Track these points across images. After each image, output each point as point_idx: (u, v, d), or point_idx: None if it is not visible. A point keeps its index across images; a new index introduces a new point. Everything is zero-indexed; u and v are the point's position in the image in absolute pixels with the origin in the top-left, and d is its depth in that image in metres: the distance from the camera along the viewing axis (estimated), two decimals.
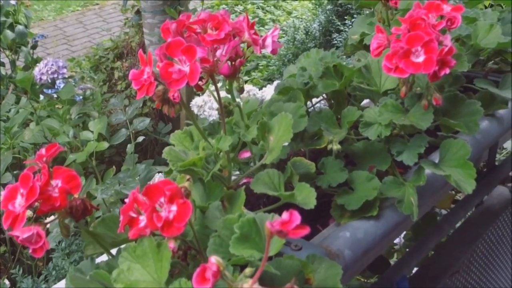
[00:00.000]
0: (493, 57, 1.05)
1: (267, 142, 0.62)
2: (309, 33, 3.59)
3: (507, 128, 0.95)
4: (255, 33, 0.64)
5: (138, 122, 1.78)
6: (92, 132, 1.72)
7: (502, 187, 1.09)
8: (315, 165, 0.72)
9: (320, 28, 3.58)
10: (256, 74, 4.38)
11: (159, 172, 1.69)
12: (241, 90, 0.75)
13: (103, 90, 2.91)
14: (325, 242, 0.68)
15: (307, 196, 0.58)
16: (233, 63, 0.69)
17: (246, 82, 4.34)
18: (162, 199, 0.48)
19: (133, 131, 1.78)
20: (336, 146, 0.71)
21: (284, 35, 4.47)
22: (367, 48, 1.02)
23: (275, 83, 2.53)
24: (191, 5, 3.05)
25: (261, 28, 5.33)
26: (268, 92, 2.32)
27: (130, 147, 1.70)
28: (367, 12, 1.10)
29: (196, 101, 1.89)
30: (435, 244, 0.94)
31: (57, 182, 0.53)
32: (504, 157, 1.43)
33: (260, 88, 2.42)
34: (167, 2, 2.72)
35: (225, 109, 0.64)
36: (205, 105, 1.95)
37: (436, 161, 0.75)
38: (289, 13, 5.61)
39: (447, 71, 0.66)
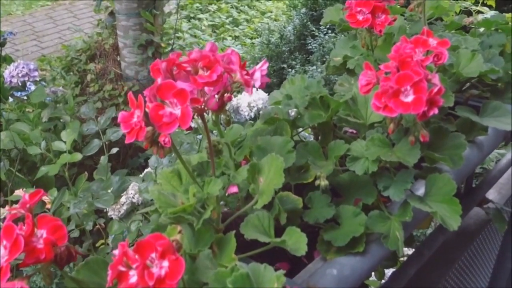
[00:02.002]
0: (474, 81, 1.07)
1: (257, 184, 0.61)
2: (283, 37, 3.59)
3: (486, 154, 0.96)
4: (247, 73, 0.63)
5: (111, 132, 1.74)
6: (64, 142, 1.67)
7: (478, 208, 1.11)
8: (301, 199, 0.72)
9: (295, 32, 3.59)
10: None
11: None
12: (228, 123, 0.74)
13: (75, 93, 2.85)
14: (312, 280, 0.68)
15: (297, 241, 0.58)
16: (220, 97, 0.68)
17: None
18: (153, 255, 0.47)
19: (106, 142, 1.74)
20: (323, 182, 0.71)
21: (258, 36, 4.47)
22: (350, 71, 1.02)
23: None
24: (166, 8, 3.00)
25: (235, 28, 5.31)
26: (244, 99, 2.31)
27: (103, 159, 1.66)
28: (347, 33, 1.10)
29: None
30: (415, 270, 0.95)
31: (42, 233, 0.51)
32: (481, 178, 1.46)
33: (235, 96, 2.41)
34: (142, 5, 2.68)
35: (214, 148, 0.63)
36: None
37: (421, 192, 0.76)
38: (263, 13, 5.60)
39: (436, 111, 0.66)
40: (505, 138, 1.00)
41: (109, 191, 1.64)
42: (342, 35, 1.14)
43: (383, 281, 1.01)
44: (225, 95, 0.68)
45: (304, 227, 0.75)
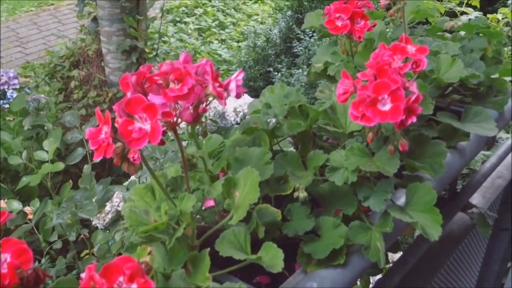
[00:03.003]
0: (457, 85, 1.06)
1: (233, 199, 0.59)
2: (269, 40, 3.58)
3: (469, 160, 0.96)
4: (220, 85, 0.62)
5: None
6: (47, 151, 1.64)
7: (462, 213, 1.10)
8: (281, 211, 0.70)
9: (281, 35, 3.58)
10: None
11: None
12: (204, 134, 0.72)
13: (59, 99, 2.81)
14: None
15: (274, 257, 0.56)
16: (195, 109, 0.66)
17: None
18: (121, 279, 0.45)
19: (90, 151, 1.71)
20: (302, 194, 0.69)
21: (244, 40, 4.46)
22: (331, 78, 1.01)
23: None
24: (152, 12, 2.98)
25: (221, 31, 5.29)
26: (230, 104, 2.30)
27: (87, 168, 1.64)
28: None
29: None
30: (400, 277, 0.94)
31: (6, 257, 0.49)
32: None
33: None
34: (125, 10, 2.66)
35: (189, 162, 0.61)
36: None
37: (402, 201, 0.75)
38: (250, 16, 5.59)
39: (414, 119, 0.65)
40: (487, 143, 1.00)
41: (94, 200, 1.61)
42: (328, 38, 1.13)
43: None
44: (200, 106, 0.66)
45: (284, 238, 0.74)
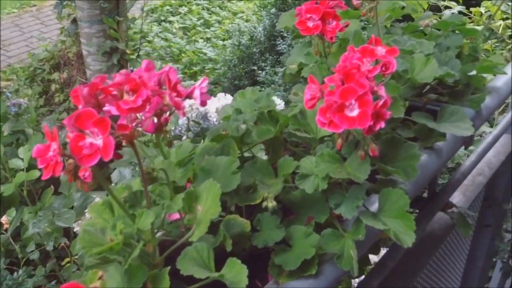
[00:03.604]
0: (434, 83, 1.04)
1: (195, 213, 0.57)
2: (254, 38, 3.55)
3: (446, 160, 0.94)
4: (179, 94, 0.59)
5: None
6: (22, 159, 1.61)
7: (442, 213, 1.09)
8: (250, 222, 0.68)
9: (265, 32, 3.55)
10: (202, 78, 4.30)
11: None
12: (169, 144, 0.70)
13: (39, 103, 2.77)
14: None
15: (238, 274, 0.54)
16: (158, 119, 0.64)
17: None
18: None
19: None
20: (271, 204, 0.67)
21: (229, 38, 4.43)
22: (305, 79, 0.99)
23: (218, 95, 2.46)
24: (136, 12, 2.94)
25: (206, 30, 5.26)
26: (212, 105, 2.27)
27: (63, 175, 1.60)
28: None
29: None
30: (379, 281, 0.93)
31: None
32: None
33: None
34: (105, 11, 2.62)
35: (149, 176, 0.59)
36: None
37: (376, 206, 0.73)
38: (235, 14, 5.56)
39: (382, 124, 0.63)
40: (465, 142, 0.98)
41: (74, 206, 1.58)
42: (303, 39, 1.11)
43: None
44: (163, 116, 0.64)
45: (256, 248, 0.72)
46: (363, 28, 1.43)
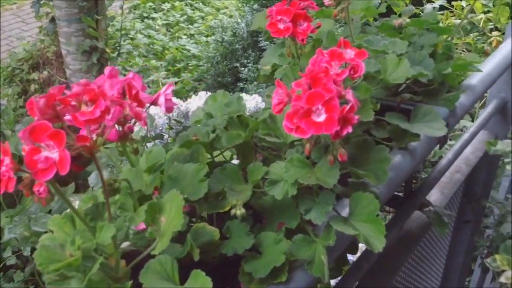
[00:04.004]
0: (410, 82, 1.04)
1: (158, 225, 0.56)
2: (236, 34, 3.53)
3: (420, 160, 0.94)
4: (140, 103, 0.58)
5: None
6: None
7: (419, 212, 1.09)
8: (220, 230, 0.67)
9: (248, 28, 3.54)
10: (185, 74, 4.28)
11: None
12: (135, 152, 0.68)
13: (19, 104, 2.73)
14: None
15: (202, 286, 0.53)
16: (122, 127, 0.63)
17: (176, 83, 4.23)
18: None
19: None
20: (239, 211, 0.66)
21: (212, 34, 4.41)
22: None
23: (200, 94, 2.44)
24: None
25: (190, 26, 5.22)
26: (193, 103, 2.26)
27: None
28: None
29: None
30: (356, 283, 0.92)
31: None
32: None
33: (185, 99, 2.34)
34: (83, 10, 2.58)
35: (110, 187, 0.57)
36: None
37: (347, 211, 0.72)
38: (218, 9, 5.53)
39: (350, 129, 0.63)
40: (439, 141, 0.98)
41: (52, 210, 1.56)
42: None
43: None
44: (126, 124, 0.62)
45: (227, 255, 0.71)
46: (341, 27, 1.43)
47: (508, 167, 0.91)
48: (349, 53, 0.71)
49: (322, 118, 0.62)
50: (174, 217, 0.54)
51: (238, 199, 0.67)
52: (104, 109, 0.52)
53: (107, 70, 0.65)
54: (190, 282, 0.54)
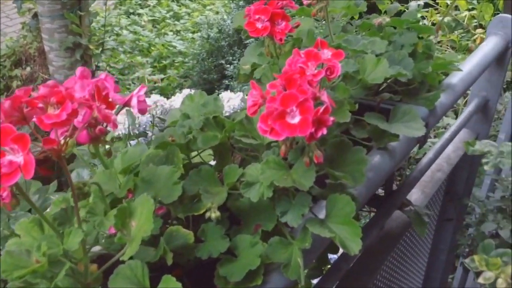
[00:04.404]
0: (391, 82, 1.03)
1: (129, 229, 0.55)
2: (222, 31, 3.51)
3: (399, 160, 0.94)
4: (109, 105, 0.57)
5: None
6: None
7: (398, 211, 1.09)
8: (193, 233, 0.66)
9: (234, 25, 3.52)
10: (171, 71, 4.26)
11: None
12: (108, 155, 0.67)
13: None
14: None
15: None
16: (93, 129, 0.61)
17: (162, 80, 4.20)
18: None
19: None
20: (214, 214, 0.65)
21: (198, 31, 4.38)
22: (259, 81, 0.97)
23: (184, 91, 2.43)
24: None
25: (176, 22, 5.18)
26: (177, 101, 2.24)
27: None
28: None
29: None
30: (332, 286, 0.92)
31: None
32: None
33: (169, 97, 2.32)
34: (66, 6, 2.55)
35: (79, 191, 0.56)
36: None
37: (324, 213, 0.72)
38: (205, 6, 5.50)
39: (324, 131, 0.62)
40: (419, 141, 0.98)
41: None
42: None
43: None
44: (98, 127, 0.61)
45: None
46: (322, 26, 1.42)
47: (485, 167, 0.91)
48: (326, 53, 0.71)
49: (296, 120, 0.61)
50: (144, 222, 0.53)
51: (213, 202, 0.66)
52: (71, 111, 0.51)
53: (78, 70, 0.64)
54: (161, 286, 0.53)
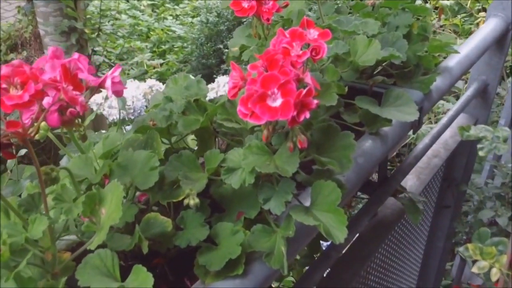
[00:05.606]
0: (386, 64, 1.00)
1: (99, 217, 0.52)
2: (221, 15, 3.46)
3: (391, 146, 0.90)
4: (78, 87, 0.54)
5: None
6: None
7: (393, 198, 1.06)
8: (171, 220, 0.64)
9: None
10: (171, 56, 4.21)
11: None
12: (83, 138, 0.64)
13: None
14: None
15: (143, 282, 0.49)
16: (64, 112, 0.58)
17: (161, 65, 4.16)
18: None
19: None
20: (193, 201, 0.63)
21: (198, 15, 4.33)
22: (247, 63, 0.94)
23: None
24: None
25: (175, 6, 5.12)
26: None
27: (10, 163, 1.53)
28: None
29: (95, 99, 1.76)
30: (323, 274, 0.90)
31: None
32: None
33: (165, 82, 2.29)
34: None
35: (47, 177, 0.53)
36: (105, 103, 1.82)
37: (308, 201, 0.69)
38: None
39: (307, 115, 0.59)
40: (413, 126, 0.95)
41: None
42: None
43: None
44: (68, 109, 0.58)
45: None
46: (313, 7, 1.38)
47: (480, 153, 0.88)
48: (312, 33, 0.67)
49: (278, 103, 0.58)
50: (113, 210, 0.51)
51: (192, 188, 0.63)
52: (34, 93, 0.48)
53: (50, 50, 0.61)
54: (130, 278, 0.50)
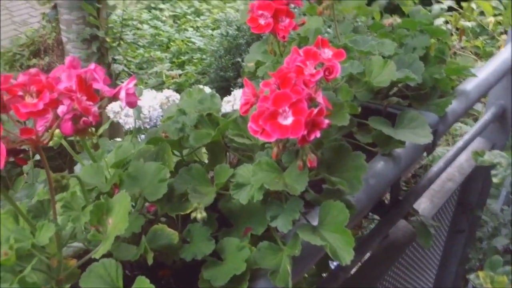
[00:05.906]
0: (402, 86, 0.99)
1: (105, 227, 0.53)
2: (241, 29, 3.49)
3: (404, 168, 0.90)
4: (92, 97, 0.54)
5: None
6: None
7: (405, 221, 1.05)
8: (178, 233, 0.64)
9: None
10: (190, 67, 4.25)
11: None
12: (96, 147, 0.65)
13: None
14: None
15: None
16: (77, 121, 0.59)
17: (180, 76, 4.20)
18: None
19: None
20: (200, 215, 0.63)
21: (218, 28, 4.36)
22: (262, 79, 0.94)
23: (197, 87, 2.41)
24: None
25: (196, 18, 5.18)
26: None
27: (27, 166, 1.55)
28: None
29: (112, 107, 1.78)
30: None
31: None
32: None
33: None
34: None
35: (58, 184, 0.54)
36: (122, 112, 1.84)
37: (316, 221, 0.69)
38: (226, 2, 5.48)
39: (318, 134, 0.59)
40: (426, 148, 0.94)
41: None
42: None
43: None
44: (82, 118, 0.59)
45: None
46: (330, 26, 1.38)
47: (494, 179, 0.87)
48: (327, 52, 0.68)
49: (289, 121, 0.58)
50: (120, 220, 0.51)
51: (200, 202, 0.63)
52: (48, 101, 0.49)
53: (67, 59, 0.62)
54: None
